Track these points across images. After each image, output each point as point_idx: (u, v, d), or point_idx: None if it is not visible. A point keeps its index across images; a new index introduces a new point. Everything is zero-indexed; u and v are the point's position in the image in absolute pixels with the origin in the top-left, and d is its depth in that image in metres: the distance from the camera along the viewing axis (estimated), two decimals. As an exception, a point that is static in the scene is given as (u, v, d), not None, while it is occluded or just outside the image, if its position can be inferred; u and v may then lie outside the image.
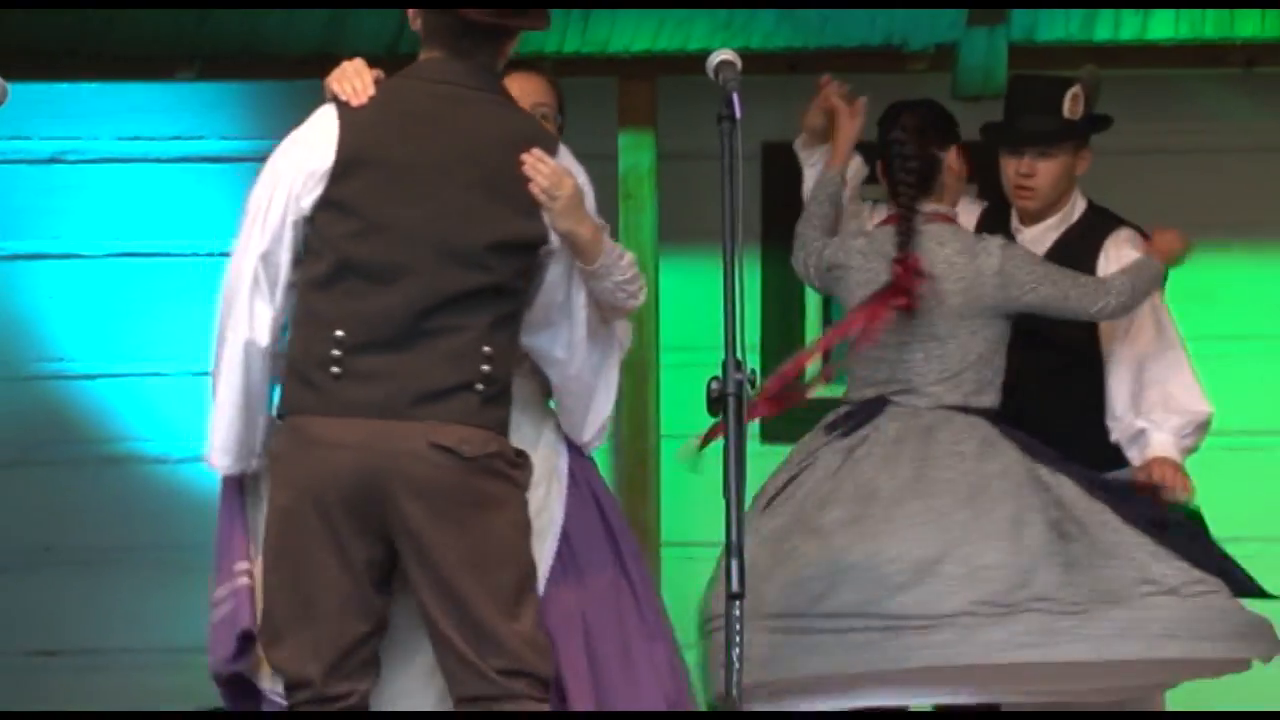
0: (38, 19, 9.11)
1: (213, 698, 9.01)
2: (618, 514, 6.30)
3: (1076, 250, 6.95)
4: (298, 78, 8.64)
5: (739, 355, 4.98)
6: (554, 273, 5.80)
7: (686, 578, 7.12)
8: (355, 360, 5.58)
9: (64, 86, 9.06)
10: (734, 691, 5.05)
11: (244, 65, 8.88)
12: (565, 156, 5.89)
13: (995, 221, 7.17)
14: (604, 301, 5.96)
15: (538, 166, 5.71)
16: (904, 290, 6.78)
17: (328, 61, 6.40)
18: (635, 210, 8.93)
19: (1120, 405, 7.00)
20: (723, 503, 5.01)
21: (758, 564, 6.41)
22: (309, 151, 5.68)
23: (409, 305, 5.59)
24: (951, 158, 6.89)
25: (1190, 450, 6.96)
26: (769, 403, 6.82)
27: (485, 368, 5.62)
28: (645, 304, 7.26)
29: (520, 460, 5.78)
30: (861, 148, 7.27)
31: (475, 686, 5.64)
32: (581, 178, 5.94)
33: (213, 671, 5.93)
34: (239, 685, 5.94)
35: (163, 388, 9.44)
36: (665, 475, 8.97)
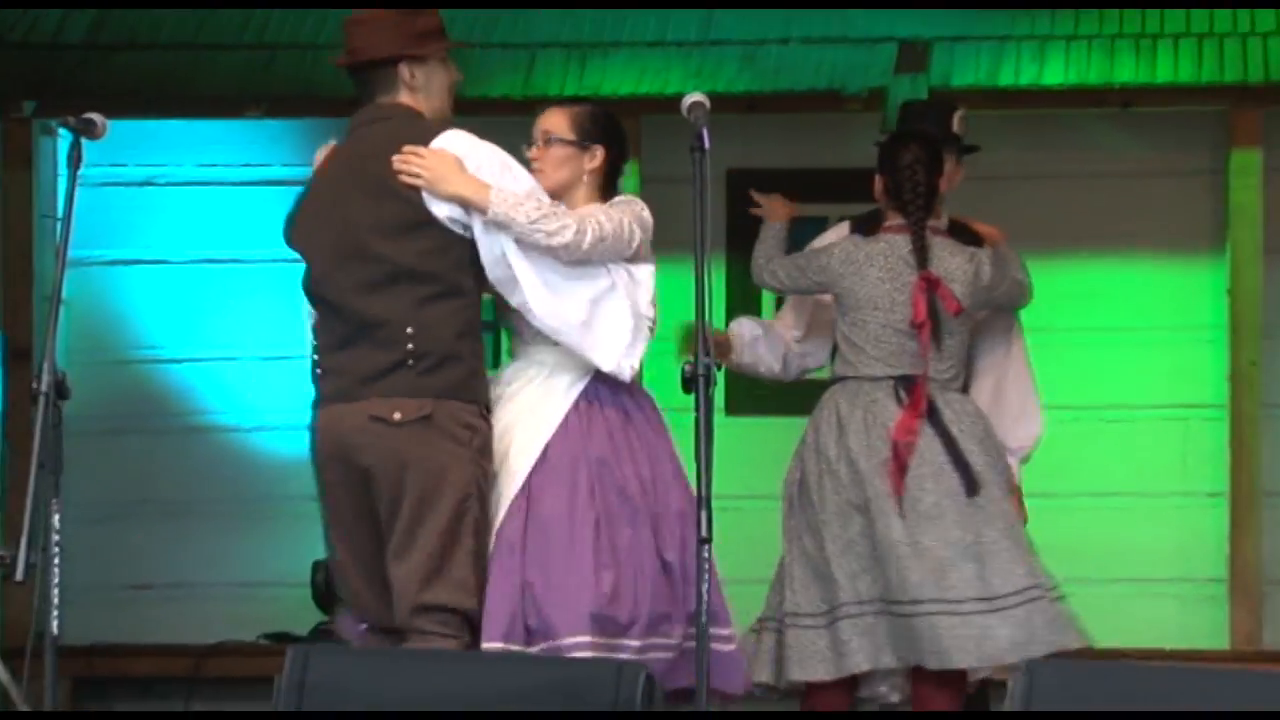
0: (132, 65, 9.57)
1: (275, 625, 9.08)
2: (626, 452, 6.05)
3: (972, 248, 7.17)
4: (346, 115, 9.05)
5: (706, 345, 5.22)
6: (483, 241, 5.81)
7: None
8: (324, 361, 5.89)
9: (153, 123, 9.34)
10: (702, 618, 5.19)
11: (302, 105, 9.25)
12: (451, 139, 5.90)
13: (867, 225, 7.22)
14: (530, 245, 5.89)
15: (405, 158, 5.80)
16: (933, 297, 6.81)
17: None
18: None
19: (1000, 410, 7.13)
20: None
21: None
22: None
23: (341, 308, 5.84)
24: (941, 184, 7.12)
25: (1025, 460, 7.19)
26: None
27: (410, 345, 5.75)
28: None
29: (470, 419, 5.82)
30: (857, 174, 7.27)
31: (389, 619, 5.83)
32: (482, 149, 5.90)
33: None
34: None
35: (234, 370, 9.72)
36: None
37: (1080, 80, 9.14)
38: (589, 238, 5.91)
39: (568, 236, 5.86)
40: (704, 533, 5.14)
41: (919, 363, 6.88)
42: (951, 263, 6.91)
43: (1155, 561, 9.27)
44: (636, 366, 6.06)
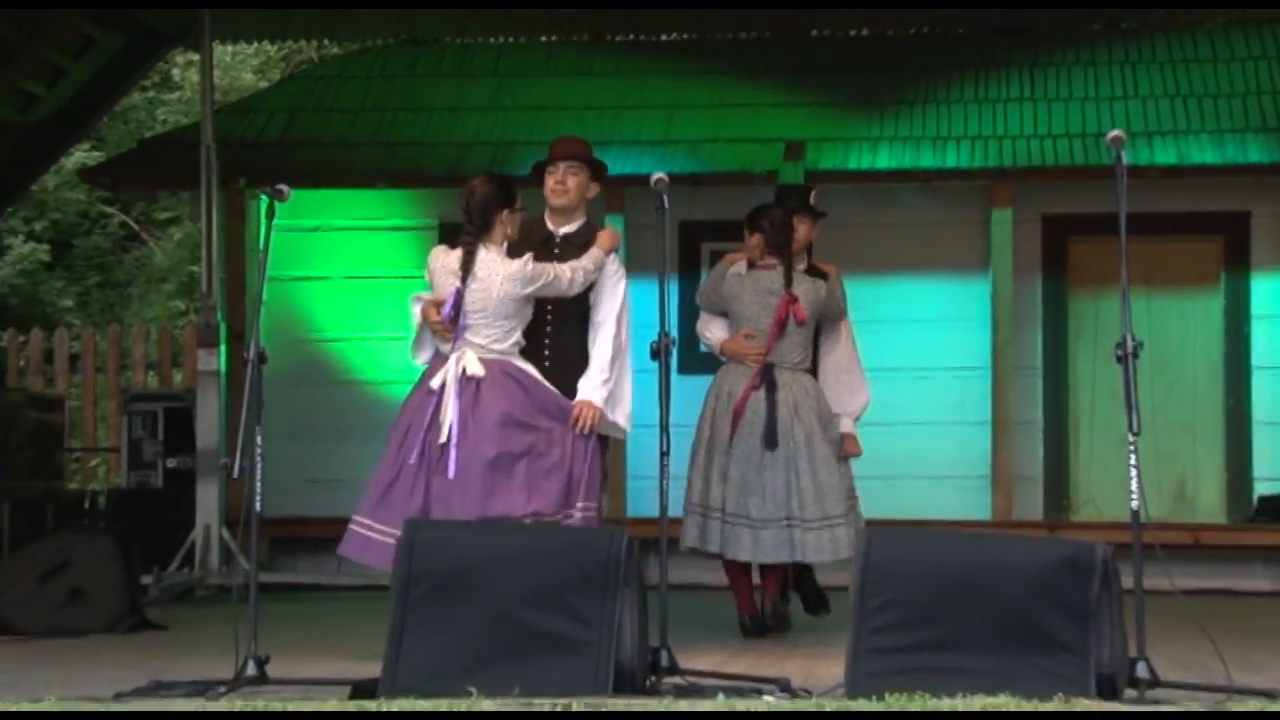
0: (307, 155, 10.75)
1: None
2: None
3: (818, 280, 7.29)
4: (441, 187, 10.25)
5: (666, 329, 5.53)
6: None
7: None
8: None
9: (319, 191, 10.47)
10: (665, 507, 5.43)
11: (411, 181, 10.60)
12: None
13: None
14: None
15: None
16: (790, 310, 7.05)
17: (457, 180, 8.01)
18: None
19: (832, 391, 7.35)
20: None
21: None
22: None
23: None
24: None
25: (858, 419, 7.37)
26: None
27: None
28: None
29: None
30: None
31: None
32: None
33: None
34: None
35: (369, 345, 10.74)
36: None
37: (899, 165, 10.36)
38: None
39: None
40: (664, 448, 5.41)
41: (774, 355, 7.10)
42: (803, 287, 7.19)
43: (946, 464, 10.27)
44: None
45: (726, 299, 7.17)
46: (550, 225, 6.63)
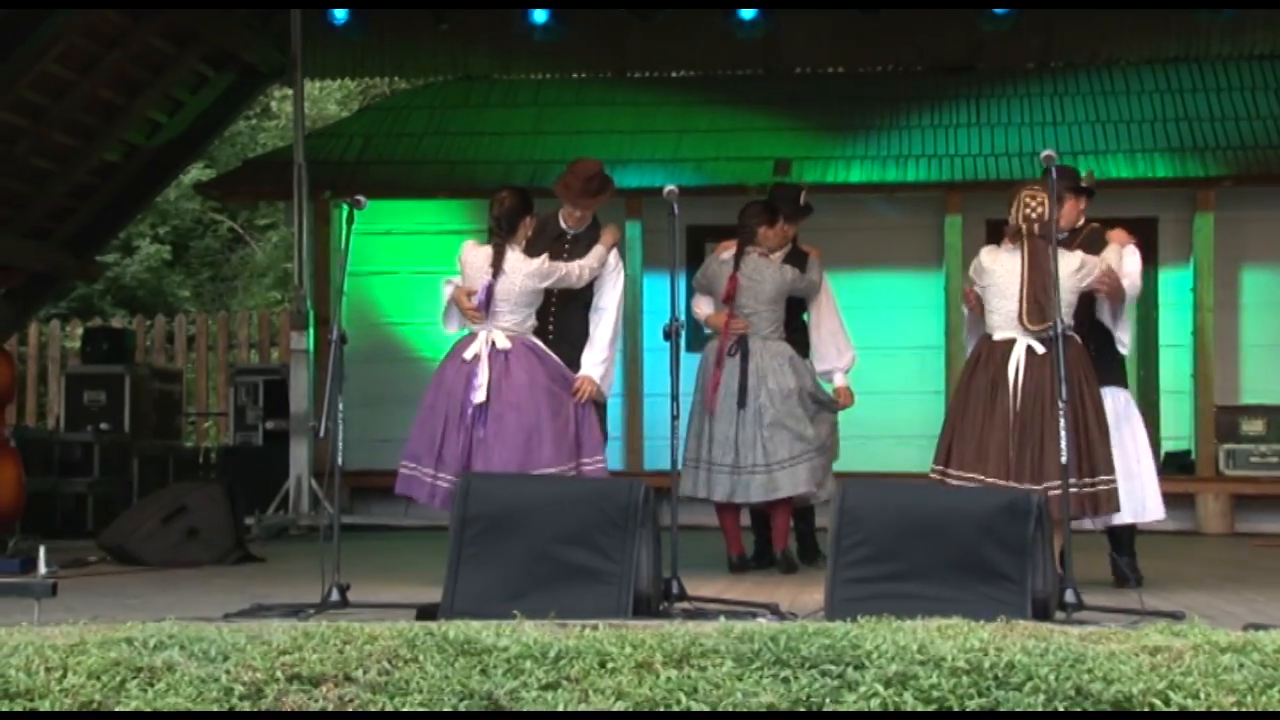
0: (380, 171, 10.56)
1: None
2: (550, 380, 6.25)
3: (787, 265, 7.05)
4: (490, 198, 8.96)
5: (677, 314, 5.56)
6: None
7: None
8: None
9: (390, 201, 10.33)
10: (677, 465, 5.46)
11: (466, 192, 10.46)
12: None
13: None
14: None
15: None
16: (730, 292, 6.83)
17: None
18: (631, 251, 9.58)
19: (822, 352, 7.16)
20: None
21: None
22: None
23: None
24: (765, 230, 6.97)
25: (847, 372, 7.15)
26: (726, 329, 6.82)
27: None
28: (634, 289, 8.47)
29: None
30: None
31: None
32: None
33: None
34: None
35: (429, 329, 9.25)
36: (648, 369, 9.88)
37: (868, 179, 10.35)
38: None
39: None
40: (674, 413, 5.48)
41: (749, 327, 6.88)
42: (765, 271, 6.95)
43: (908, 426, 9.97)
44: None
45: (712, 279, 7.03)
46: (564, 223, 6.62)
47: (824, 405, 6.96)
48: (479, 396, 6.06)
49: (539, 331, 6.39)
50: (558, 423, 6.13)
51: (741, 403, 6.76)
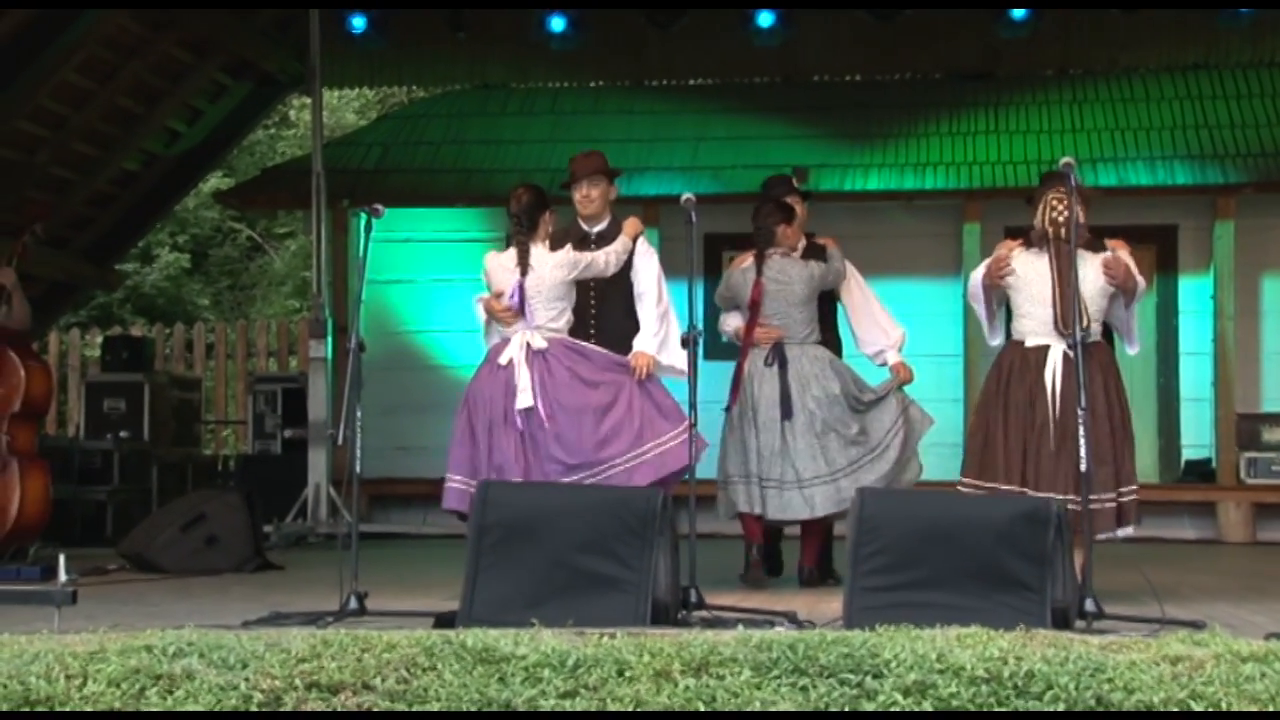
0: (396, 180, 10.58)
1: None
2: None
3: (810, 260, 6.87)
4: (502, 205, 9.55)
5: (695, 323, 5.43)
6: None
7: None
8: None
9: (408, 209, 10.25)
10: (693, 476, 5.40)
11: (483, 201, 10.48)
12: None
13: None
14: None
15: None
16: (756, 297, 6.65)
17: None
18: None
19: (868, 337, 6.90)
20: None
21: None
22: None
23: None
24: (784, 228, 6.77)
25: (900, 348, 6.84)
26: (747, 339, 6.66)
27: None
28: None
29: None
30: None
31: None
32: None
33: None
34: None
35: (447, 337, 10.69)
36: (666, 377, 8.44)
37: (886, 187, 10.44)
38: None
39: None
40: (692, 421, 5.52)
41: (785, 333, 6.71)
42: (791, 271, 6.77)
43: (927, 435, 8.40)
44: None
45: (736, 291, 6.87)
46: (584, 227, 6.60)
47: (874, 399, 6.68)
48: (524, 401, 5.91)
49: (580, 333, 6.29)
50: (616, 411, 5.97)
51: (786, 413, 6.56)
